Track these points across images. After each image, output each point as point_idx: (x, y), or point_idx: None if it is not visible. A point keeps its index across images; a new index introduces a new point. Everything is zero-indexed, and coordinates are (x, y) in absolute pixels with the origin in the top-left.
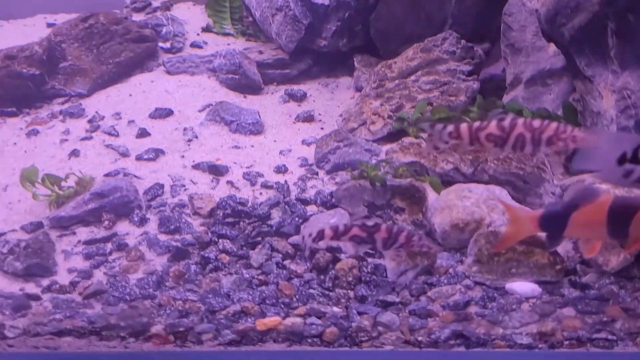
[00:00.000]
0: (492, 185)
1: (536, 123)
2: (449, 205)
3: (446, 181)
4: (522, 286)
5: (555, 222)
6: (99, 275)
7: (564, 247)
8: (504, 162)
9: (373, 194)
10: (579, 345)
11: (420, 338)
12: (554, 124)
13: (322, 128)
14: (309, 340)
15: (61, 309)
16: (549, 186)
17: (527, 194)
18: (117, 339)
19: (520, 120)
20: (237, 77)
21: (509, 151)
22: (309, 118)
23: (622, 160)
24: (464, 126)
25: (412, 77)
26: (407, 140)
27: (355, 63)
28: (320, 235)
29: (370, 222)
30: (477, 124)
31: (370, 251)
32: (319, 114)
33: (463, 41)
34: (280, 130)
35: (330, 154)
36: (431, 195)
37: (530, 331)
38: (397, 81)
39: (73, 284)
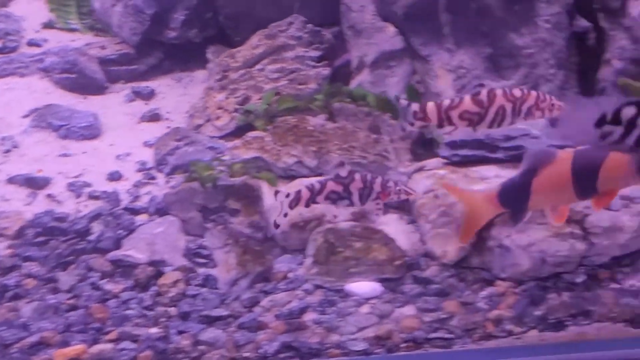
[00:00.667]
0: None
1: (517, 92)
2: None
3: (291, 176)
4: (362, 286)
5: (516, 196)
6: None
7: (409, 239)
8: (347, 152)
9: (205, 196)
10: (416, 347)
11: (246, 354)
12: (534, 93)
13: (168, 127)
14: None
15: None
16: (393, 174)
17: None
18: None
19: (500, 91)
20: (73, 76)
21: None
22: (154, 117)
23: (600, 122)
24: (430, 105)
25: (258, 66)
26: (251, 134)
27: (208, 54)
28: (297, 198)
29: (343, 172)
30: (447, 101)
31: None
32: (167, 112)
33: (310, 25)
34: (121, 133)
35: (169, 155)
36: (270, 194)
37: (366, 336)
38: (242, 71)
39: None
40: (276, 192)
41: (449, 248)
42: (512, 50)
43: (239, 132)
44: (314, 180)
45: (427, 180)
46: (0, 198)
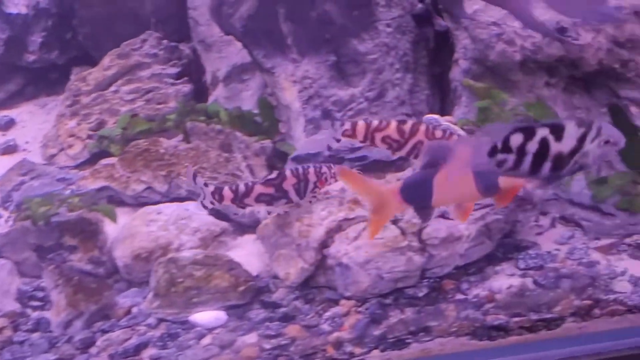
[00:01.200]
0: (189, 202)
1: (438, 133)
2: (132, 234)
3: (143, 203)
4: (205, 316)
5: (418, 192)
6: None
7: (263, 261)
8: (198, 173)
9: (38, 234)
10: None
11: None
12: (454, 136)
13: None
14: None
15: None
16: None
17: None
18: None
19: (423, 127)
20: None
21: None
22: (10, 149)
23: (493, 152)
24: (361, 123)
25: (112, 88)
26: (103, 162)
27: (72, 76)
28: (219, 195)
29: (272, 175)
30: (376, 122)
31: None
32: (27, 142)
33: (165, 41)
34: None
35: (14, 191)
36: (113, 225)
37: None
38: (94, 95)
39: None
40: (195, 176)
41: (292, 270)
42: (356, 57)
43: (95, 159)
44: (240, 182)
45: None
46: None
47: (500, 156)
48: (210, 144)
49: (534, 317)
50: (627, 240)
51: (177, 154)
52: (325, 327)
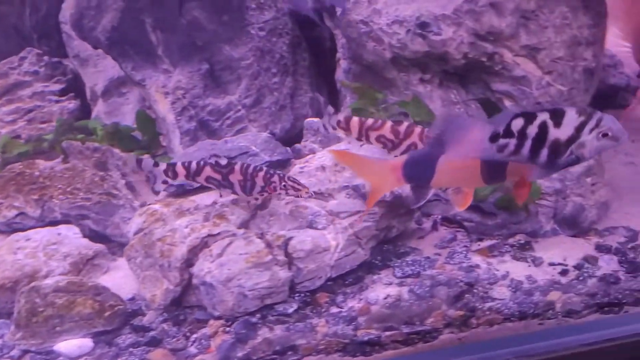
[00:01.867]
0: (63, 225)
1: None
2: None
3: (16, 229)
4: (69, 345)
5: (420, 170)
6: None
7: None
8: (71, 195)
9: None
10: None
11: None
12: None
13: None
14: None
15: None
16: (125, 212)
17: (106, 226)
18: None
19: (418, 129)
20: None
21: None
22: None
23: (494, 137)
24: (355, 119)
25: None
26: None
27: None
28: (173, 171)
29: (223, 161)
30: (370, 121)
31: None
32: None
33: (46, 57)
34: None
35: None
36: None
37: None
38: None
39: None
40: (139, 160)
41: (157, 291)
42: (230, 63)
43: None
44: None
45: (139, 218)
46: None
47: (502, 141)
48: (86, 163)
49: (406, 330)
50: (510, 240)
51: (52, 176)
52: (192, 349)
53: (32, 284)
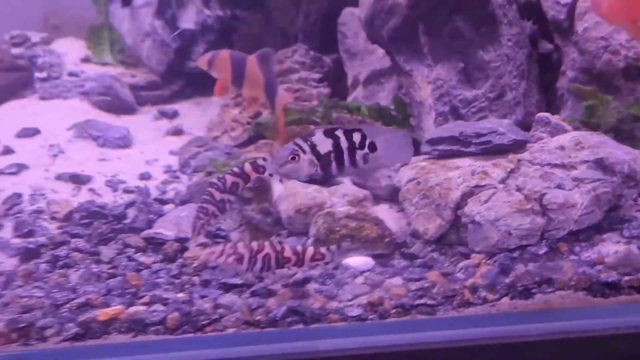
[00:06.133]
0: None
1: None
2: (294, 193)
3: None
4: (357, 260)
5: None
6: None
7: (397, 223)
8: None
9: None
10: (404, 312)
11: (259, 317)
12: None
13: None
14: (152, 328)
15: None
16: (384, 170)
17: (367, 179)
18: None
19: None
20: (108, 98)
21: None
22: (178, 132)
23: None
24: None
25: None
26: (262, 141)
27: None
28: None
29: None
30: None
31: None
32: (189, 128)
33: (312, 52)
34: (149, 144)
35: (191, 158)
36: (278, 185)
37: (360, 302)
38: None
39: None
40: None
41: (430, 226)
42: (481, 64)
43: (250, 141)
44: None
45: (410, 171)
46: (51, 190)
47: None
48: None
49: None
50: None
51: None
52: (460, 275)
53: (326, 210)
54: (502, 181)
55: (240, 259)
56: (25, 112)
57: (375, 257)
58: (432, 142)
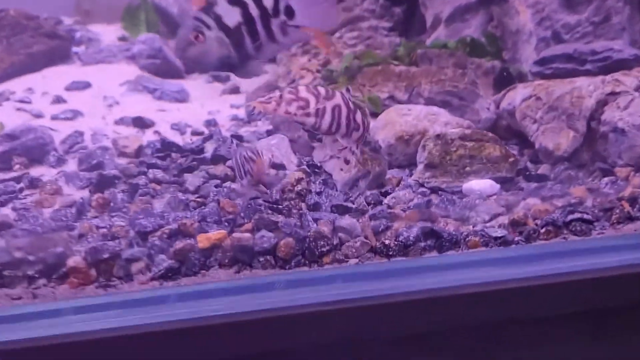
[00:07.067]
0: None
1: None
2: (391, 122)
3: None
4: (480, 183)
5: None
6: (5, 212)
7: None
8: (437, 84)
9: None
10: (555, 231)
11: (387, 242)
12: None
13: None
14: (261, 259)
15: None
16: (482, 101)
17: (464, 112)
18: (22, 282)
19: None
20: (158, 61)
21: None
22: (235, 90)
23: None
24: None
25: (337, 34)
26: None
27: None
28: None
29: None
30: None
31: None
32: (245, 89)
33: (381, 0)
34: (207, 99)
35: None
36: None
37: (501, 223)
38: None
39: None
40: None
41: (562, 140)
42: None
43: None
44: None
45: (524, 89)
46: (113, 132)
47: None
48: (443, 64)
49: None
50: None
51: (414, 72)
52: (607, 190)
53: (436, 133)
54: (638, 89)
55: (305, 106)
56: (69, 73)
57: (496, 180)
58: (544, 61)
